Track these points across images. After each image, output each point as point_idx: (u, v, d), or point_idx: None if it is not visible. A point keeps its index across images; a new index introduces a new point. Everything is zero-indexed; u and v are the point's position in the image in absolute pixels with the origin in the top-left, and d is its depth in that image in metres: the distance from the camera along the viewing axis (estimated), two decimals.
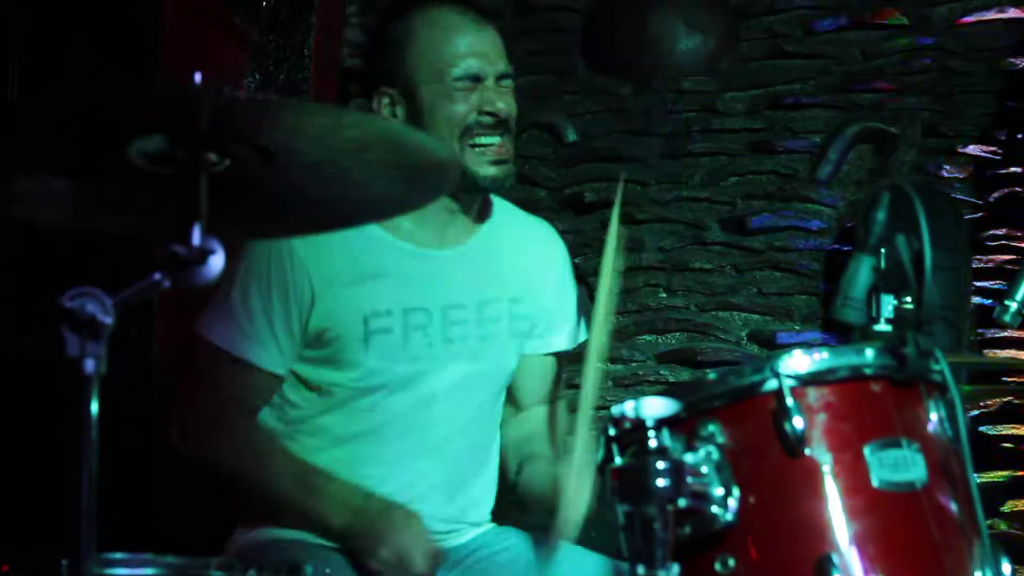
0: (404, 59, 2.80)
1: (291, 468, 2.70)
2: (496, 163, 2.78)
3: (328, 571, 2.17)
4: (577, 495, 2.62)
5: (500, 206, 2.98)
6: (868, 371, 2.05)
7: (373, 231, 2.74)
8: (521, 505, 2.87)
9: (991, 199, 3.86)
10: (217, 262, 1.84)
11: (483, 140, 2.76)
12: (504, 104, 2.78)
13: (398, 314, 2.74)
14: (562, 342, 3.03)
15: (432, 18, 2.83)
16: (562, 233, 3.91)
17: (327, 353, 2.74)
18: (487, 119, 2.76)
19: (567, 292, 3.05)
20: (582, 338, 2.98)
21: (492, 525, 2.93)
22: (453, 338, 2.79)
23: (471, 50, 2.78)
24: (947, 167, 3.88)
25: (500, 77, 2.81)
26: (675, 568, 1.86)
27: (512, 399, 3.02)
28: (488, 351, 2.85)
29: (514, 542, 2.85)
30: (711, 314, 3.95)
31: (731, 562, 1.97)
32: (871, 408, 2.04)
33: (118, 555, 1.95)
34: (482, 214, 2.92)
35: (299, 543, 2.68)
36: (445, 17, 2.83)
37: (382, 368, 2.71)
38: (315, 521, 2.64)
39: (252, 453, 2.72)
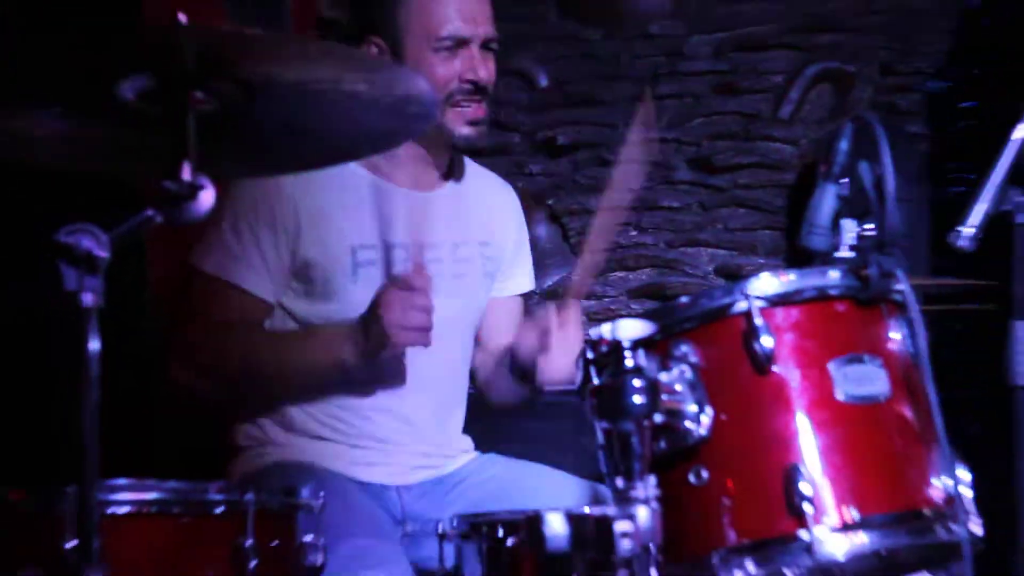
0: (395, 11, 2.80)
1: (286, 338, 2.77)
2: (471, 123, 2.81)
3: (322, 493, 2.17)
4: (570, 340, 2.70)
5: (466, 162, 3.03)
6: (833, 292, 2.08)
7: (354, 168, 2.77)
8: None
9: (945, 133, 3.88)
10: (207, 198, 1.85)
11: (462, 103, 2.79)
12: (485, 72, 2.81)
13: (380, 248, 2.78)
14: (523, 285, 3.11)
15: None
16: (536, 175, 3.97)
17: (316, 286, 2.77)
18: (468, 86, 2.78)
19: (524, 241, 3.12)
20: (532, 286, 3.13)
21: (478, 453, 2.97)
22: (430, 272, 2.76)
23: (460, 12, 2.79)
24: (903, 104, 3.90)
25: (486, 40, 2.82)
26: (651, 480, 1.89)
27: (478, 340, 3.05)
28: (462, 289, 2.90)
29: (500, 467, 2.90)
30: (679, 250, 3.98)
31: (704, 474, 2.00)
32: (836, 326, 2.06)
33: (121, 481, 1.96)
34: (452, 169, 2.96)
35: (295, 467, 2.71)
36: None
37: (367, 300, 2.70)
38: (331, 357, 2.67)
39: (253, 348, 2.75)
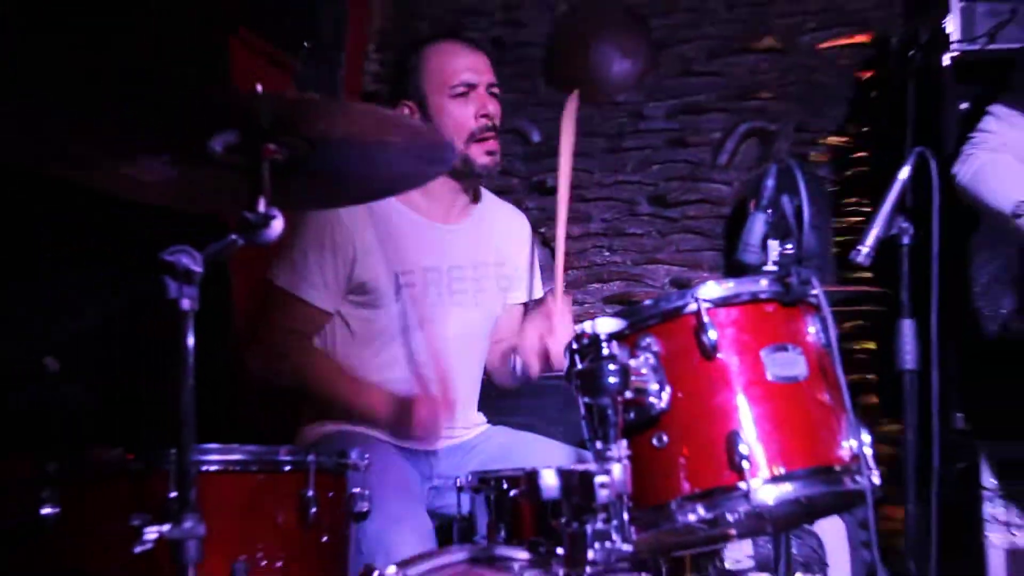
0: (418, 77, 2.81)
1: (342, 376, 2.73)
2: (488, 153, 2.80)
3: (367, 456, 2.17)
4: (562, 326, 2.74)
5: (487, 195, 3.00)
6: (763, 295, 2.05)
7: (397, 207, 2.76)
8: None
9: (845, 176, 3.88)
10: (278, 225, 1.85)
11: (480, 138, 2.78)
12: (493, 108, 2.82)
13: (419, 272, 2.77)
14: (527, 295, 3.07)
15: (437, 47, 2.86)
16: (531, 210, 3.96)
17: (367, 300, 2.76)
18: (484, 122, 2.78)
19: (534, 259, 3.08)
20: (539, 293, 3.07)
21: (489, 425, 2.96)
22: (456, 291, 2.82)
23: (466, 66, 2.81)
24: (813, 154, 3.91)
25: (489, 85, 2.83)
26: (623, 443, 1.89)
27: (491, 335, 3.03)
28: (481, 301, 2.88)
29: (505, 436, 2.89)
30: (642, 267, 3.97)
31: (664, 438, 1.97)
32: (765, 322, 2.04)
33: (212, 445, 1.98)
34: (476, 197, 2.94)
35: (348, 435, 2.69)
36: (446, 45, 2.86)
37: (408, 311, 2.74)
38: (363, 411, 2.67)
39: (312, 368, 2.74)
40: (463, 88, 2.78)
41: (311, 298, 2.73)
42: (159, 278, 1.77)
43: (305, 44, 3.56)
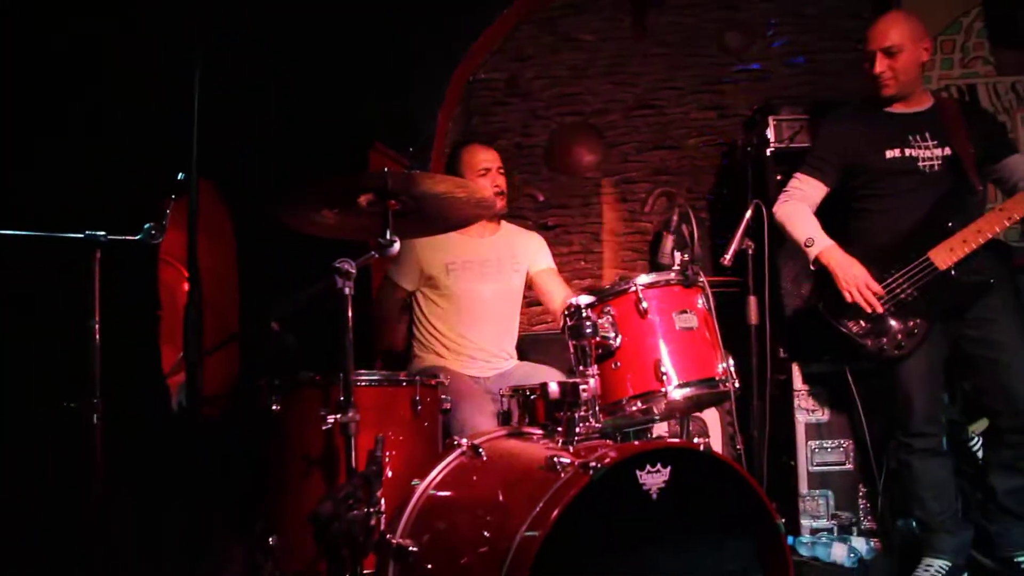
0: (459, 164, 2.75)
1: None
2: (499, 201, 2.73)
3: (449, 378, 2.14)
4: None
5: (511, 227, 2.91)
6: (672, 281, 2.03)
7: (452, 237, 2.66)
8: None
9: (715, 217, 3.84)
10: (396, 247, 1.84)
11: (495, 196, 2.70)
12: (501, 181, 2.74)
13: (460, 262, 2.69)
14: (548, 263, 2.88)
15: (468, 148, 2.78)
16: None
17: (432, 283, 2.69)
18: (496, 189, 2.71)
19: (546, 251, 2.90)
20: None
21: (517, 361, 2.82)
22: (484, 273, 2.72)
23: (485, 158, 2.75)
24: (697, 204, 3.86)
25: (499, 168, 2.76)
26: (594, 368, 1.86)
27: (548, 301, 2.87)
28: (501, 278, 2.75)
29: (528, 367, 2.74)
30: (604, 271, 3.91)
31: (618, 364, 1.96)
32: (674, 296, 2.02)
33: (362, 371, 1.97)
34: (497, 225, 2.85)
35: (439, 368, 2.58)
36: (473, 146, 2.79)
37: (453, 284, 2.66)
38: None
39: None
40: (483, 171, 2.72)
41: (398, 279, 2.69)
42: (332, 277, 1.78)
43: (410, 148, 3.55)
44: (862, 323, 2.46)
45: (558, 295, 2.83)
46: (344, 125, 3.24)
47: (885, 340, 2.43)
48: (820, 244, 2.49)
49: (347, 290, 1.76)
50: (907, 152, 2.50)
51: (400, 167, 3.38)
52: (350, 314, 1.78)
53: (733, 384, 2.00)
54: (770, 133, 3.19)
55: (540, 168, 3.97)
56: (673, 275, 2.04)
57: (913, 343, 2.41)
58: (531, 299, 3.83)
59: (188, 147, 1.84)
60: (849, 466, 2.91)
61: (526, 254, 2.87)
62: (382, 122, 3.44)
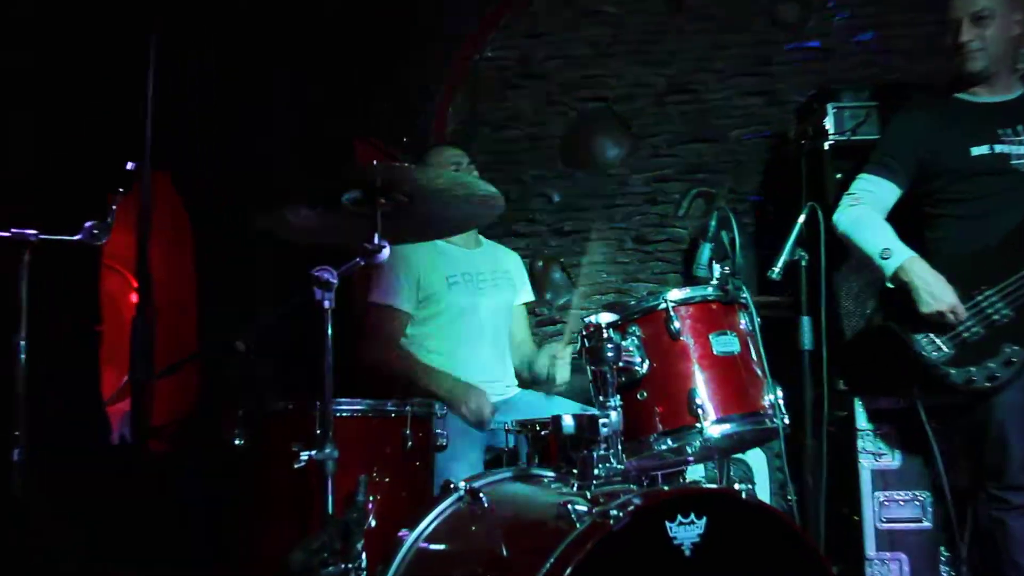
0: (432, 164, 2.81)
1: (419, 366, 2.61)
2: None
3: (446, 408, 2.15)
4: (563, 364, 2.65)
5: (488, 241, 3.00)
6: (710, 297, 2.03)
7: (442, 244, 2.74)
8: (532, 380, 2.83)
9: (762, 222, 3.84)
10: (386, 252, 1.85)
11: None
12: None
13: (459, 275, 2.74)
14: (523, 298, 2.97)
15: (434, 149, 2.90)
16: (554, 247, 3.93)
17: (428, 299, 2.72)
18: None
19: (524, 277, 3.01)
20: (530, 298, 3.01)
21: (520, 389, 2.86)
22: (482, 287, 2.77)
23: (452, 154, 2.83)
24: (739, 207, 3.86)
25: (469, 163, 2.83)
26: (617, 397, 1.87)
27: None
28: (497, 293, 2.82)
29: (535, 396, 2.80)
30: (628, 284, 3.92)
31: (645, 394, 1.96)
32: (712, 315, 2.02)
33: (343, 399, 1.97)
34: (477, 238, 2.94)
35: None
36: (438, 147, 2.92)
37: (454, 300, 2.71)
38: (431, 391, 2.50)
39: (401, 363, 2.62)
40: (453, 167, 2.76)
41: (400, 306, 2.69)
42: (310, 288, 1.79)
43: (404, 139, 3.58)
44: (944, 348, 2.43)
45: (520, 334, 2.93)
46: (326, 111, 3.27)
47: (974, 370, 2.39)
48: (900, 256, 2.45)
49: (327, 303, 1.77)
50: (996, 148, 2.49)
51: (391, 160, 3.41)
52: (330, 332, 1.79)
53: (782, 420, 1.99)
54: (829, 123, 3.20)
55: (555, 163, 3.99)
56: (711, 290, 2.04)
57: (1009, 374, 2.37)
58: (543, 319, 3.87)
59: (140, 132, 1.86)
60: (926, 524, 2.85)
61: (515, 273, 2.95)
62: (371, 108, 3.47)
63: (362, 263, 1.84)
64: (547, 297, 3.88)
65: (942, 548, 2.84)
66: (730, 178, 3.92)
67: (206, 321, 3.01)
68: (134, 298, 1.95)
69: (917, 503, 2.86)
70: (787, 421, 2.01)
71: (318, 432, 1.80)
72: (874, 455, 2.90)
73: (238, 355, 1.91)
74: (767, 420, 1.98)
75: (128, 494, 2.11)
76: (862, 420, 2.92)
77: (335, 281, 1.78)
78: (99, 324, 2.71)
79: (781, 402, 2.01)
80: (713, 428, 1.92)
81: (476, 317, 2.74)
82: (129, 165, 1.89)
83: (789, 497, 2.79)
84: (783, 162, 3.75)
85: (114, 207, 1.87)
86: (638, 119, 3.99)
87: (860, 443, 2.90)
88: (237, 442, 1.98)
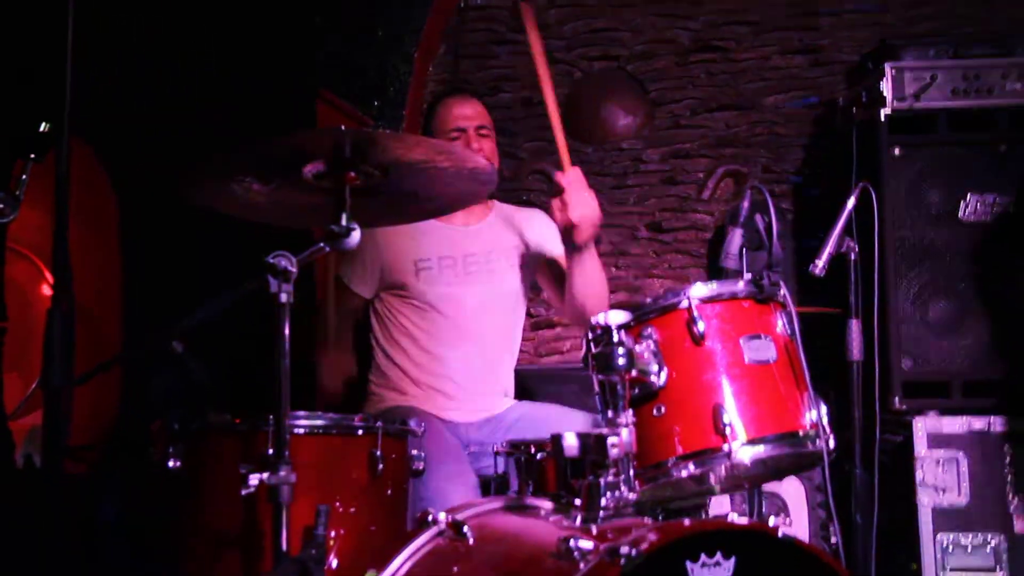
0: (431, 124, 2.86)
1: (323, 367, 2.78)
2: None
3: (424, 424, 2.16)
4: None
5: (504, 206, 2.97)
6: (740, 294, 2.03)
7: (427, 222, 2.70)
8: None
9: (802, 207, 3.88)
10: (356, 236, 1.86)
11: None
12: (477, 145, 2.79)
13: (433, 260, 2.76)
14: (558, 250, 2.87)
15: (441, 100, 2.91)
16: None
17: (396, 288, 2.76)
18: None
19: (554, 228, 2.84)
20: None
21: (516, 401, 2.87)
22: (469, 273, 2.78)
23: (458, 114, 2.83)
24: (777, 190, 3.91)
25: (479, 127, 2.83)
26: (629, 412, 1.87)
27: (559, 291, 2.87)
28: (492, 279, 2.81)
29: (528, 408, 2.80)
30: (641, 280, 3.95)
31: (662, 409, 1.96)
32: (743, 316, 2.02)
33: (300, 412, 1.98)
34: (488, 208, 2.92)
35: (405, 409, 2.66)
36: (447, 99, 2.90)
37: (424, 290, 2.73)
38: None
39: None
40: (456, 133, 2.80)
41: (354, 284, 2.77)
42: (263, 277, 1.79)
43: (375, 103, 3.59)
44: None
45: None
46: (282, 67, 3.27)
47: None
48: None
49: (284, 296, 1.77)
50: None
51: (361, 125, 3.42)
52: (287, 331, 1.79)
53: (826, 444, 2.00)
54: (886, 87, 3.22)
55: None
56: (742, 285, 2.04)
57: None
58: (540, 320, 3.88)
59: (59, 90, 1.84)
60: (1002, 574, 2.88)
61: (529, 238, 2.89)
62: (336, 64, 3.48)
63: (326, 249, 1.84)
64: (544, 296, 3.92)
65: None
66: (765, 154, 3.97)
67: (135, 317, 3.01)
68: (47, 289, 1.94)
69: (990, 549, 2.88)
70: (832, 445, 2.02)
71: (270, 452, 1.79)
72: (937, 489, 2.92)
73: (173, 358, 1.91)
74: (808, 443, 1.98)
75: (35, 526, 2.10)
76: (922, 446, 2.94)
77: (294, 270, 1.77)
78: (2, 320, 2.70)
79: (825, 422, 2.01)
80: (743, 451, 1.92)
81: (457, 311, 2.74)
82: (42, 127, 1.87)
83: (834, 538, 2.81)
84: (830, 135, 3.80)
85: (24, 177, 1.86)
86: (656, 82, 4.03)
87: (920, 474, 2.92)
88: (171, 463, 1.97)
